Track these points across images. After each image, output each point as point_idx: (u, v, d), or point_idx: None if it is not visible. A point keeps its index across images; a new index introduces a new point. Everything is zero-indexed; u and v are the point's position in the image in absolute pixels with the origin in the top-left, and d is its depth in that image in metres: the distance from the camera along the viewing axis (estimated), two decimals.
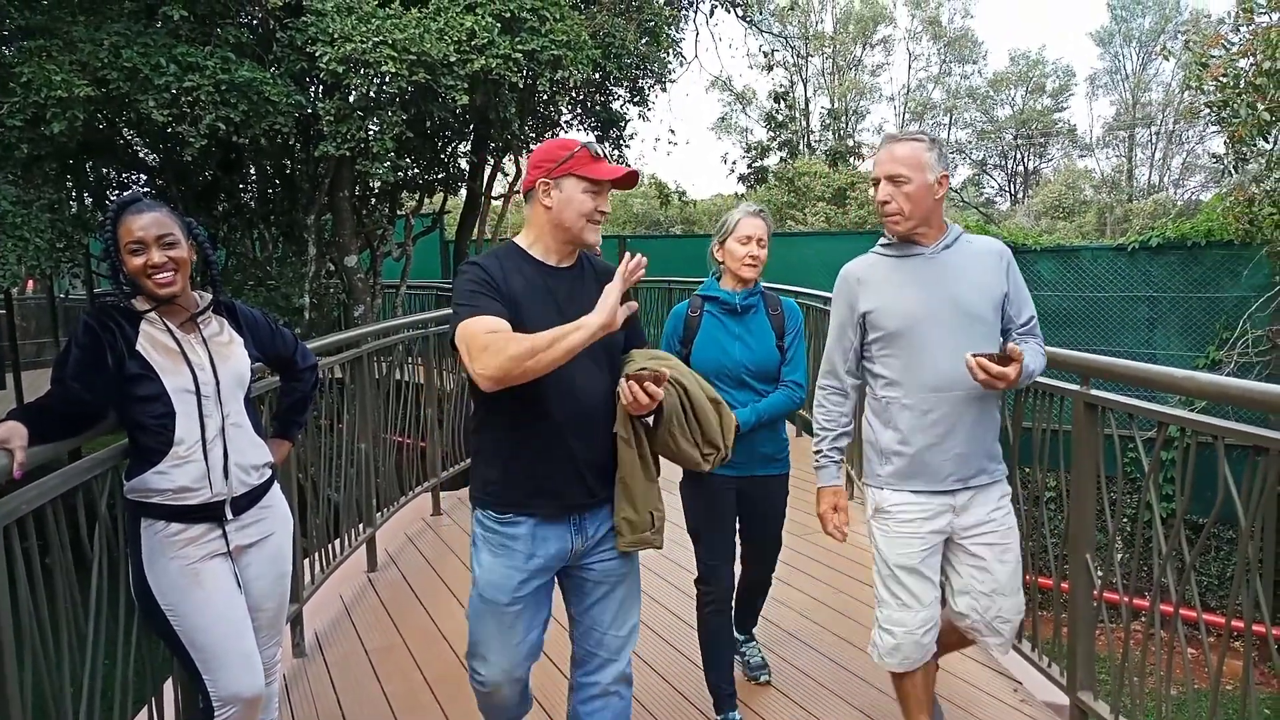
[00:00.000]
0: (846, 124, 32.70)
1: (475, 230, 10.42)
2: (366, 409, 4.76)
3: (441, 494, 5.98)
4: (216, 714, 2.23)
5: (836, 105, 32.31)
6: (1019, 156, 36.51)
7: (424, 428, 5.74)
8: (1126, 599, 2.78)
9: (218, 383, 2.28)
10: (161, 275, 2.21)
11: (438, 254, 14.91)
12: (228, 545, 2.31)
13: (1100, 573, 2.77)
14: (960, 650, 3.65)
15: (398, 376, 5.50)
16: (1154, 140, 34.31)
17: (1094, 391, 2.69)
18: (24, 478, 2.01)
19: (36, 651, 2.03)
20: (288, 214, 9.86)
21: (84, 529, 2.31)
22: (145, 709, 2.58)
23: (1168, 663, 2.63)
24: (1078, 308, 10.07)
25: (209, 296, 2.42)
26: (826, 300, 6.90)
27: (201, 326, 2.35)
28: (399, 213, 10.64)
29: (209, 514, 2.27)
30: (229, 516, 2.31)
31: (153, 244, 2.20)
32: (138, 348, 2.20)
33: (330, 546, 4.33)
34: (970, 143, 36.62)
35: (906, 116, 35.80)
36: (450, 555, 5.11)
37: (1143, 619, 3.12)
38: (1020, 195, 35.63)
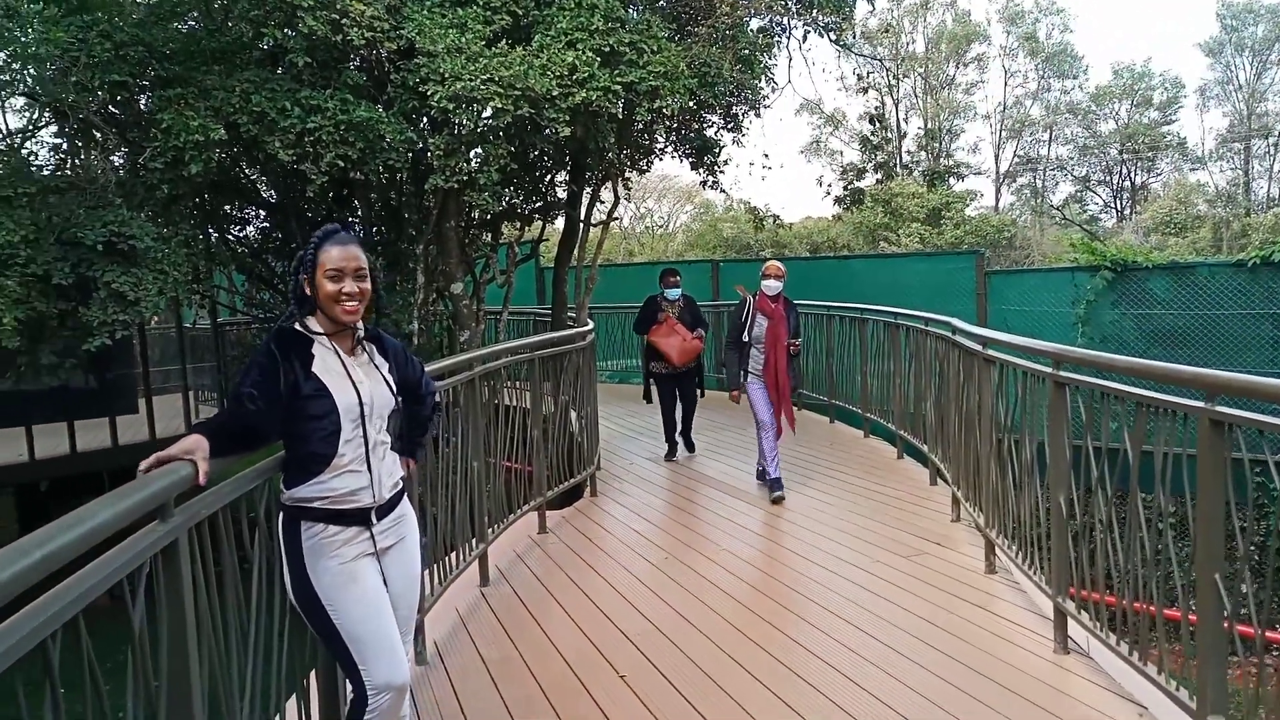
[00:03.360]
0: (941, 144, 32.15)
1: (574, 257, 10.69)
2: (478, 430, 4.96)
3: (547, 513, 6.15)
4: (370, 702, 2.41)
5: (931, 125, 31.82)
6: (1125, 172, 35.17)
7: (530, 449, 5.92)
8: (1261, 630, 2.70)
9: (374, 402, 2.48)
10: (350, 304, 2.43)
11: (534, 280, 15.30)
12: (375, 546, 2.51)
13: (1228, 596, 2.70)
14: (1083, 675, 3.59)
15: (508, 402, 5.69)
16: (1272, 151, 32.59)
17: (1220, 408, 2.65)
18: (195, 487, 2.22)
19: (210, 645, 2.23)
20: (394, 244, 10.32)
21: (244, 534, 2.54)
22: (294, 699, 2.78)
23: None
24: (1195, 327, 9.66)
25: (361, 327, 2.61)
26: (927, 320, 6.86)
27: (360, 351, 2.56)
28: (500, 241, 11.00)
29: (359, 518, 2.47)
30: (374, 521, 2.50)
31: (350, 275, 2.43)
32: (314, 369, 2.41)
33: (445, 561, 4.52)
34: (1072, 159, 35.47)
35: (1003, 134, 34.95)
36: (558, 571, 5.26)
37: (1275, 653, 3.02)
38: (1127, 211, 34.28)
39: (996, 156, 35.14)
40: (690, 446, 8.28)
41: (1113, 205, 35.75)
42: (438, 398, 3.09)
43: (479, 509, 4.91)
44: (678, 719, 3.41)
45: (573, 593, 4.89)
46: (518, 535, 5.82)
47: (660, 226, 38.97)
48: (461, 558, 4.67)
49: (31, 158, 9.36)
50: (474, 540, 4.87)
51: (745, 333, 6.68)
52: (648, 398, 8.27)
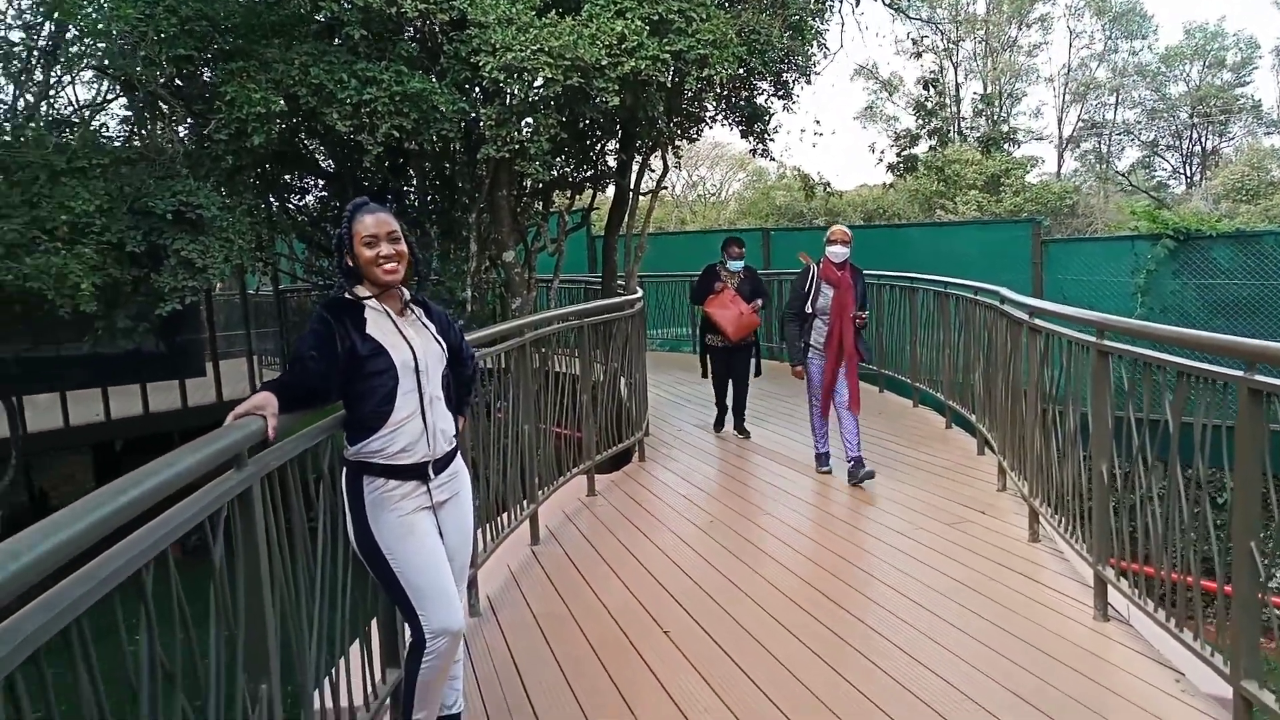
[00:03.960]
0: (1001, 108, 31.31)
1: (624, 225, 10.76)
2: (529, 394, 5.11)
3: (596, 476, 6.30)
4: (428, 645, 2.58)
5: (990, 89, 31.00)
6: (1195, 136, 33.89)
7: (579, 414, 6.06)
8: None
9: (426, 358, 2.64)
10: (389, 264, 2.59)
11: (584, 249, 15.42)
12: (431, 500, 2.67)
13: (1265, 561, 2.72)
14: (1123, 642, 3.63)
15: (559, 368, 5.83)
16: None
17: (1259, 377, 2.65)
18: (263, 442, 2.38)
19: (281, 589, 2.40)
20: (448, 213, 10.51)
21: (310, 487, 2.71)
22: (357, 643, 2.97)
23: None
24: (1259, 297, 9.40)
25: (407, 292, 2.77)
26: (976, 290, 6.81)
27: (408, 313, 2.71)
28: (551, 209, 11.12)
29: (417, 472, 2.63)
30: (431, 475, 2.65)
31: (383, 239, 2.59)
32: (368, 331, 2.57)
33: (497, 520, 4.68)
34: (1139, 123, 34.27)
35: (1067, 97, 33.90)
36: (606, 532, 5.42)
37: None
38: (1197, 177, 33.08)
39: (1059, 121, 34.15)
40: (743, 431, 7.75)
41: (1182, 171, 34.52)
42: (477, 361, 3.26)
43: (529, 471, 5.07)
44: (722, 675, 3.54)
45: (620, 553, 5.04)
46: (567, 497, 5.98)
47: (712, 194, 38.76)
48: (513, 517, 4.83)
49: (102, 129, 9.72)
50: (525, 501, 5.04)
51: (809, 303, 6.28)
52: (706, 372, 7.83)
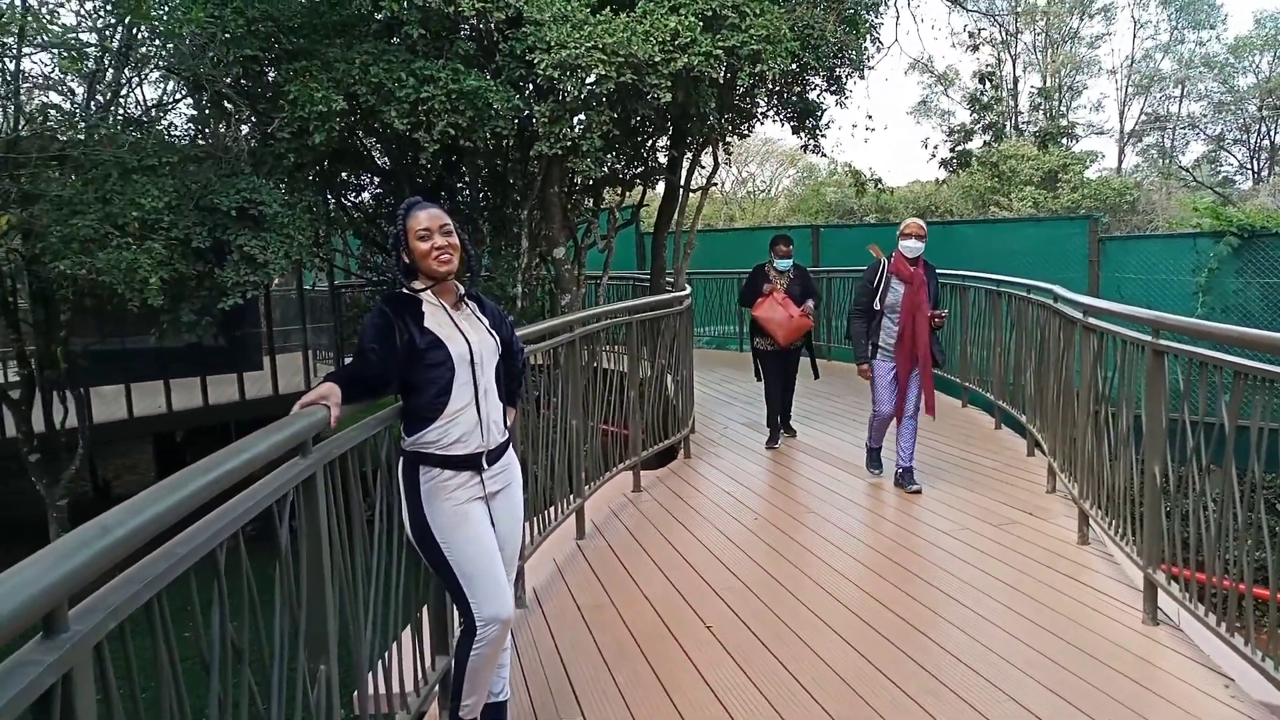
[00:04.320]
0: (1060, 101, 30.64)
1: (673, 222, 10.80)
2: (577, 389, 5.18)
3: (642, 473, 6.36)
4: (479, 632, 2.67)
5: (1049, 82, 30.36)
6: (1264, 129, 32.76)
7: (626, 410, 6.12)
8: None
9: (481, 350, 2.74)
10: (443, 255, 2.70)
11: (633, 246, 15.49)
12: (484, 490, 2.76)
13: None
14: (1172, 646, 3.59)
15: (606, 365, 5.89)
16: None
17: None
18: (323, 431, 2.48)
19: (341, 573, 2.50)
20: (500, 210, 10.66)
21: (368, 475, 2.81)
22: (408, 629, 3.07)
23: None
24: None
25: (461, 287, 2.87)
26: (1029, 288, 6.72)
27: (463, 307, 2.81)
28: (601, 206, 11.20)
29: (471, 463, 2.72)
30: (485, 466, 2.75)
31: (436, 231, 2.70)
32: (426, 324, 2.67)
33: (544, 514, 4.77)
34: (1205, 116, 33.25)
35: (1130, 90, 33.02)
36: (651, 528, 5.48)
37: None
38: (1265, 173, 31.99)
39: (1121, 115, 33.30)
40: (789, 429, 7.69)
41: (1249, 166, 33.43)
42: (525, 354, 3.37)
43: (577, 466, 5.14)
44: (761, 667, 3.58)
45: (664, 548, 5.09)
46: (613, 493, 6.06)
47: (762, 191, 38.57)
48: (559, 511, 4.91)
49: (170, 128, 10.05)
50: (571, 495, 5.11)
51: (877, 299, 5.89)
52: (759, 375, 7.42)
